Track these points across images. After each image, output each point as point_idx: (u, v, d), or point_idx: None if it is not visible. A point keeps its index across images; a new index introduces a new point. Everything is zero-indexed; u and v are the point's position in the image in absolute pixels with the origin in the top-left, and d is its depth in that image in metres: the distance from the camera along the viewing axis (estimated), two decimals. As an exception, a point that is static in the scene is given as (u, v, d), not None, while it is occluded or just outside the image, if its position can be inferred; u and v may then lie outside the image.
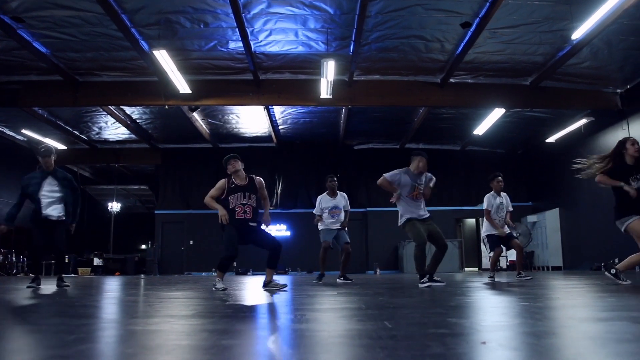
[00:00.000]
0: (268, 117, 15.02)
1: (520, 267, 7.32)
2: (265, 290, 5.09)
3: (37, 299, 4.24)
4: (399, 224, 5.67)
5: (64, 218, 6.02)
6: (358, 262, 16.96)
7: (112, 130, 16.27)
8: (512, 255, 16.38)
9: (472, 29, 9.70)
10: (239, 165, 5.23)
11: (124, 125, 15.33)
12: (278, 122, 15.92)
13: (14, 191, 16.81)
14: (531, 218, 17.03)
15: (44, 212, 5.89)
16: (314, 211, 7.61)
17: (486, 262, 16.30)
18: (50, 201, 5.94)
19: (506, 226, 7.25)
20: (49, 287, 6.52)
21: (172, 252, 18.10)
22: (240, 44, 10.30)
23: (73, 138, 16.58)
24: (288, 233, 17.40)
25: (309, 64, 11.43)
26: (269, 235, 5.31)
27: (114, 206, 21.31)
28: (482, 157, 18.17)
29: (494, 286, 5.59)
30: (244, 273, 16.60)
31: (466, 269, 17.41)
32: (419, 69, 11.84)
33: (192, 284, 7.32)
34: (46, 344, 1.82)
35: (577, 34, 9.13)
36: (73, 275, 16.51)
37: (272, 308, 3.27)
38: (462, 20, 9.47)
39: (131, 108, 14.44)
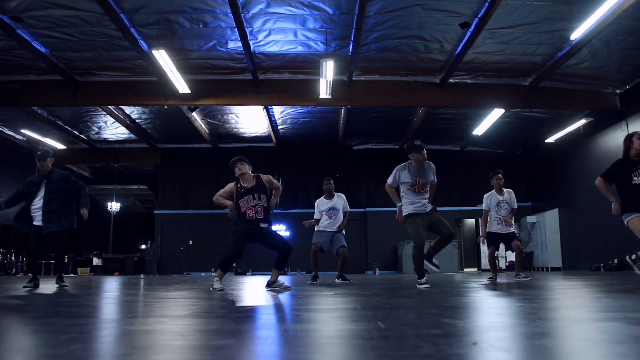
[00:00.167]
0: (267, 117, 15.02)
1: (520, 267, 7.30)
2: (268, 290, 5.09)
3: (33, 299, 4.23)
4: (402, 219, 5.64)
5: (62, 228, 6.00)
6: (357, 262, 16.96)
7: (112, 130, 16.28)
8: (511, 255, 16.39)
9: (471, 29, 9.70)
10: (246, 168, 5.23)
11: (123, 125, 15.34)
12: (277, 122, 15.92)
13: (12, 189, 16.86)
14: (530, 218, 17.03)
15: (35, 222, 5.88)
16: (315, 216, 7.56)
17: (486, 262, 16.30)
18: (45, 214, 5.88)
19: (508, 225, 7.17)
20: (46, 287, 6.52)
21: (171, 252, 18.11)
22: (239, 43, 10.30)
23: (72, 138, 16.59)
24: (287, 233, 17.39)
25: (308, 64, 11.43)
26: (280, 237, 5.33)
27: (114, 206, 21.33)
28: (481, 157, 18.17)
29: (491, 287, 5.58)
30: (244, 273, 16.61)
31: (465, 270, 17.41)
32: (418, 69, 11.84)
33: (190, 284, 7.32)
34: (38, 344, 1.82)
35: (576, 35, 9.13)
36: (72, 275, 16.53)
37: (267, 308, 3.27)
38: (461, 21, 9.47)
39: (130, 108, 14.44)
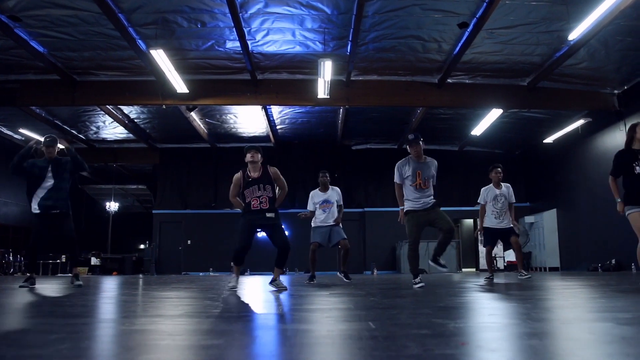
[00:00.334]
0: (266, 117, 15.02)
1: (521, 265, 7.29)
2: (270, 286, 5.27)
3: (28, 298, 4.23)
4: (403, 222, 5.63)
5: (65, 210, 6.04)
6: (355, 262, 16.95)
7: (110, 129, 16.27)
8: (509, 255, 16.41)
9: (469, 29, 9.70)
10: (258, 157, 5.31)
11: (121, 125, 15.34)
12: (276, 122, 15.92)
13: (12, 190, 16.91)
14: (529, 219, 17.04)
15: (42, 203, 5.90)
16: (308, 207, 7.56)
17: (484, 262, 16.31)
18: (49, 194, 5.94)
19: (507, 219, 7.16)
20: (43, 286, 6.52)
21: (169, 252, 18.10)
22: (237, 43, 10.30)
23: (71, 137, 16.57)
24: (286, 233, 17.35)
25: (306, 64, 11.42)
26: (283, 234, 5.34)
27: (112, 206, 21.33)
28: (480, 157, 18.15)
29: (487, 287, 5.58)
30: (242, 273, 16.59)
31: (464, 270, 17.41)
32: (417, 69, 11.84)
33: (187, 284, 7.31)
34: (25, 343, 1.81)
35: (574, 35, 9.14)
36: (70, 274, 16.49)
37: (260, 309, 3.27)
38: (459, 21, 9.47)
39: (129, 107, 14.43)
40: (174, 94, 11.82)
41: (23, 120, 14.54)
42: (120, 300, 4.20)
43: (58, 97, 12.40)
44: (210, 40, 10.43)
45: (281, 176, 5.44)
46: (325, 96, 11.57)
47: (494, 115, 13.59)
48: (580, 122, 13.73)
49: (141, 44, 10.27)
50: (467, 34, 9.85)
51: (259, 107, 13.92)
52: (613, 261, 12.52)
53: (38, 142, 6.31)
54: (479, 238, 7.58)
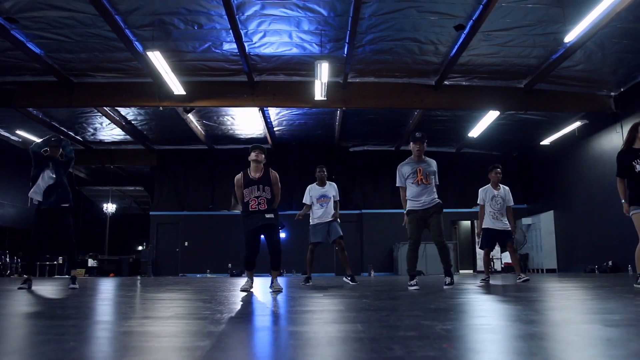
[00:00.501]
0: (263, 119, 15.03)
1: (519, 269, 7.26)
2: (270, 289, 5.34)
3: (20, 300, 4.22)
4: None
5: (65, 205, 6.06)
6: (353, 264, 16.79)
7: (107, 131, 16.27)
8: (506, 257, 16.40)
9: (465, 32, 9.72)
10: (262, 157, 5.36)
11: (119, 127, 15.34)
12: (273, 123, 15.93)
13: (8, 191, 16.89)
14: (526, 220, 17.05)
15: (43, 199, 5.93)
16: (304, 200, 7.54)
17: (481, 264, 16.30)
18: (54, 190, 5.99)
19: (505, 220, 7.16)
20: (40, 288, 6.51)
21: (167, 253, 18.08)
22: (234, 45, 10.31)
23: (68, 139, 16.51)
24: (283, 235, 17.35)
25: (303, 66, 11.44)
26: (276, 237, 5.39)
27: (109, 207, 21.30)
28: (477, 159, 18.16)
29: (482, 289, 5.58)
30: (239, 275, 16.57)
31: (461, 271, 17.41)
32: (414, 71, 11.86)
33: (182, 286, 7.30)
34: (10, 346, 1.81)
35: (570, 37, 9.17)
36: (67, 276, 16.45)
37: (250, 311, 3.26)
38: (455, 23, 9.50)
39: (126, 109, 14.43)
40: (171, 95, 11.82)
41: (20, 122, 14.53)
42: (112, 302, 4.20)
43: (55, 99, 12.41)
44: (207, 42, 10.44)
45: (278, 183, 5.48)
46: (322, 98, 11.58)
47: (491, 117, 13.61)
48: (577, 124, 13.76)
49: (138, 46, 10.27)
50: (463, 36, 9.88)
51: (256, 108, 13.92)
52: (610, 263, 12.53)
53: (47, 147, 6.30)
54: (478, 238, 7.56)
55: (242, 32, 9.87)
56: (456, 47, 10.37)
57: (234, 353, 1.61)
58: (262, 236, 5.35)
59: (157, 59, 9.92)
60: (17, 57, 10.79)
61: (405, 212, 5.62)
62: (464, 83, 12.48)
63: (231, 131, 16.65)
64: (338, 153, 18.34)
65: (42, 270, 16.75)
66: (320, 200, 7.39)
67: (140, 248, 21.64)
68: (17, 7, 8.80)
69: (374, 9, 9.04)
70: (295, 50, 10.82)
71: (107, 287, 7.08)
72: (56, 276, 16.33)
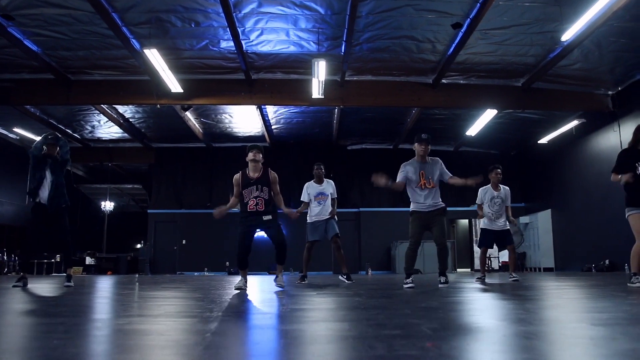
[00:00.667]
0: (261, 117, 15.02)
1: (513, 267, 7.28)
2: (274, 282, 5.51)
3: (14, 298, 4.22)
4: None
5: (67, 203, 6.06)
6: (350, 263, 16.88)
7: (105, 129, 16.25)
8: (504, 256, 16.42)
9: (463, 30, 9.71)
10: (260, 157, 5.35)
11: (116, 124, 15.32)
12: (271, 121, 15.92)
13: (5, 188, 16.87)
14: (524, 219, 17.05)
15: (41, 196, 5.93)
16: (301, 198, 7.55)
17: (479, 262, 16.32)
18: (51, 190, 6.00)
19: (504, 220, 7.16)
20: (35, 285, 6.51)
21: (164, 251, 18.08)
22: (231, 43, 10.29)
23: (66, 137, 16.53)
24: (283, 231, 17.36)
25: (300, 64, 11.42)
26: (279, 231, 5.41)
27: (107, 205, 21.28)
28: (475, 158, 18.15)
29: (477, 288, 5.59)
30: (236, 273, 16.57)
31: (459, 270, 17.43)
32: (411, 70, 11.85)
33: (178, 284, 7.31)
34: (-4, 343, 1.81)
35: (567, 36, 9.15)
36: (64, 274, 16.45)
37: (241, 309, 3.26)
38: (453, 21, 9.47)
39: (124, 107, 14.40)
40: (168, 93, 11.80)
41: (18, 120, 14.52)
42: (105, 300, 4.20)
43: (52, 97, 12.38)
44: (204, 40, 10.42)
45: (277, 184, 5.48)
46: (320, 96, 11.57)
47: (488, 115, 13.61)
48: (574, 123, 13.76)
49: (135, 44, 10.25)
50: (460, 34, 9.86)
51: (254, 106, 13.91)
52: (607, 262, 12.54)
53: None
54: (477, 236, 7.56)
55: (240, 30, 9.86)
56: (453, 45, 10.36)
57: (217, 351, 1.61)
58: (264, 234, 5.37)
59: (155, 57, 9.91)
60: (15, 54, 10.76)
61: (390, 183, 5.51)
62: (461, 81, 12.47)
63: (229, 129, 16.64)
64: (336, 151, 18.32)
65: (39, 268, 16.74)
66: (318, 197, 7.40)
67: (138, 246, 21.64)
68: (13, 4, 8.77)
69: (371, 7, 9.02)
70: (292, 49, 10.80)
71: (102, 286, 7.08)
72: (53, 274, 16.34)
